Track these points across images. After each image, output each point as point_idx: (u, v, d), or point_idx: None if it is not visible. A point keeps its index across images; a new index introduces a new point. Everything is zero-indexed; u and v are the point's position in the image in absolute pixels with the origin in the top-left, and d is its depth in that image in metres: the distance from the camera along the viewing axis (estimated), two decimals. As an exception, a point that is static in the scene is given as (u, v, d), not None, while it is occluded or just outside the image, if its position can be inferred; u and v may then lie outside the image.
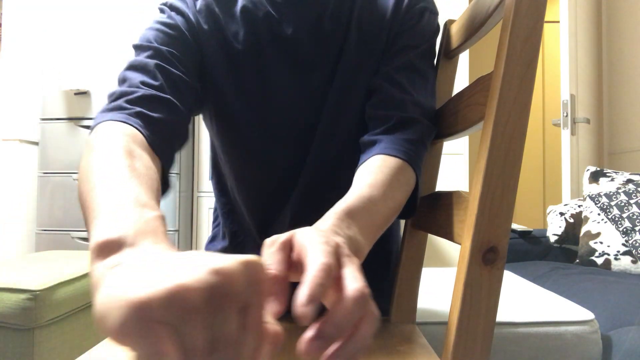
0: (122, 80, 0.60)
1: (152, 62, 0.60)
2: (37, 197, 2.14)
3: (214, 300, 0.24)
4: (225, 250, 0.80)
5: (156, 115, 0.56)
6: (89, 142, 0.49)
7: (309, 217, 0.50)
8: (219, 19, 0.68)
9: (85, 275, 1.30)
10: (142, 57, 0.61)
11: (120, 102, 0.56)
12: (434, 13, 0.72)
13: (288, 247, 0.37)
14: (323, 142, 0.70)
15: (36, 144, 2.25)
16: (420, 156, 0.64)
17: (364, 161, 0.61)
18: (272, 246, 0.37)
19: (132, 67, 0.61)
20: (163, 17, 0.66)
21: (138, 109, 0.55)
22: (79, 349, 1.27)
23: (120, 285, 0.25)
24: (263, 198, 0.75)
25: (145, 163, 0.46)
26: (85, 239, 2.07)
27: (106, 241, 0.31)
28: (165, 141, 0.56)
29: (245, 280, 0.26)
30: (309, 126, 0.69)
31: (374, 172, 0.58)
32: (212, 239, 0.85)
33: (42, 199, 2.12)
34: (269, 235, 0.40)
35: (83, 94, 2.12)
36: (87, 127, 2.11)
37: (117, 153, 0.45)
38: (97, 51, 2.11)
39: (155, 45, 0.62)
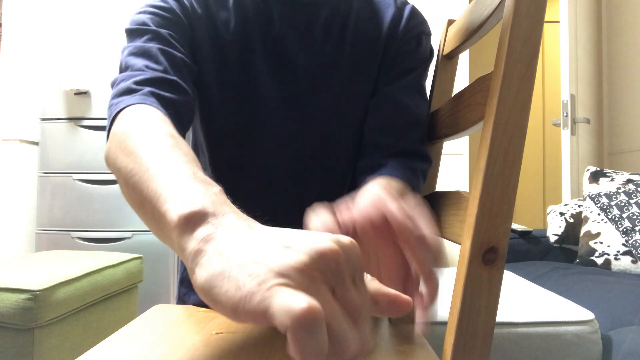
0: (125, 67, 0.60)
1: (153, 46, 0.60)
2: (37, 197, 2.14)
3: (334, 268, 0.27)
4: None
5: (167, 95, 0.57)
6: (120, 129, 0.48)
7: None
8: (210, 6, 0.68)
9: (85, 275, 1.30)
10: (141, 42, 0.61)
11: (129, 83, 0.55)
12: (429, 35, 0.74)
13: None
14: (313, 151, 0.70)
15: (36, 144, 2.25)
16: (418, 188, 0.64)
17: (366, 182, 0.60)
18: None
19: (133, 53, 0.60)
20: (156, 1, 0.65)
21: (148, 88, 0.55)
22: (79, 349, 1.27)
23: (235, 265, 0.27)
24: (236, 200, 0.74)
25: (184, 141, 0.46)
26: (85, 239, 2.07)
27: (190, 213, 0.31)
28: (176, 120, 0.55)
29: (353, 252, 0.28)
30: (290, 127, 0.69)
31: (380, 187, 0.58)
32: None
33: (42, 199, 2.12)
34: None
35: (83, 94, 2.12)
36: (87, 127, 2.11)
37: (157, 136, 0.44)
38: (97, 51, 2.11)
39: (153, 27, 0.61)
